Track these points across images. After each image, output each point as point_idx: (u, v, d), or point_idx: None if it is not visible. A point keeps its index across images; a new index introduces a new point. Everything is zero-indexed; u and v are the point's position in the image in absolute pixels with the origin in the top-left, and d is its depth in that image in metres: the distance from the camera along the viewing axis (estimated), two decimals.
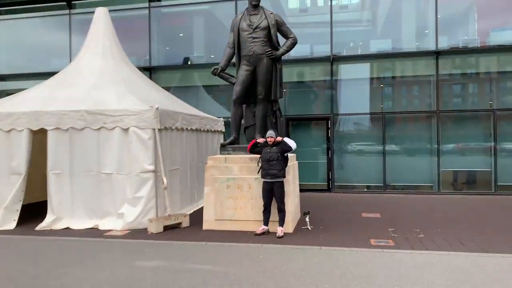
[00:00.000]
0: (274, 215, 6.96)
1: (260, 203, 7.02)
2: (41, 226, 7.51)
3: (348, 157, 12.33)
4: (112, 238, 6.81)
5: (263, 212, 6.96)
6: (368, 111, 12.33)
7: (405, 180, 11.91)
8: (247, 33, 7.60)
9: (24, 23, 14.59)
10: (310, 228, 7.27)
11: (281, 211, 6.86)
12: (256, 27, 7.56)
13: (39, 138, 8.37)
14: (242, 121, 8.08)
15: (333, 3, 12.36)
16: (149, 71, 13.32)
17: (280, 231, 6.76)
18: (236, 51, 7.81)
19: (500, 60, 11.69)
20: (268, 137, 6.98)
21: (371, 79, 12.43)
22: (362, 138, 12.40)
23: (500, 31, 11.85)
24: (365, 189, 12.05)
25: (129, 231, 7.26)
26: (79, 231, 7.36)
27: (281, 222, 6.85)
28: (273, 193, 6.87)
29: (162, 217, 7.43)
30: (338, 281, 4.62)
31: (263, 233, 6.87)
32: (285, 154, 6.93)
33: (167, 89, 11.70)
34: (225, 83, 8.38)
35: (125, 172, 7.47)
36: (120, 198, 7.50)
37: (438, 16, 11.60)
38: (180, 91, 12.86)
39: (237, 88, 7.67)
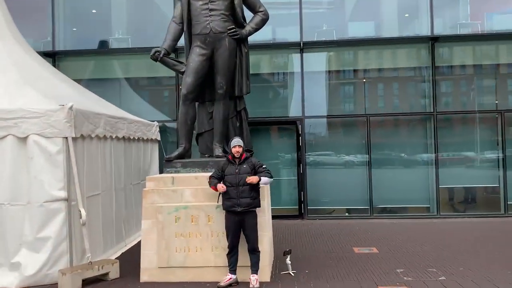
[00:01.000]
0: (243, 258, 6.24)
1: (224, 241, 6.29)
2: None
3: (324, 172, 11.98)
4: None
5: (228, 255, 6.23)
6: (348, 113, 12.08)
7: (395, 201, 11.80)
8: (201, 3, 6.98)
9: None
10: (292, 274, 6.65)
11: (255, 253, 6.18)
12: None
13: None
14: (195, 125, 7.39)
15: None
16: (52, 57, 12.18)
17: (255, 281, 6.06)
18: (185, 28, 7.15)
19: (509, 50, 11.92)
20: (234, 146, 6.27)
21: (352, 71, 12.23)
22: (341, 147, 12.15)
23: (504, 15, 12.13)
24: (347, 214, 11.74)
25: None
26: None
27: (255, 268, 6.16)
28: (242, 228, 6.17)
29: (80, 267, 6.47)
30: None
31: (229, 285, 6.15)
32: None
33: (77, 82, 10.66)
34: (167, 72, 7.69)
35: (23, 201, 6.43)
36: (14, 240, 6.41)
37: None
38: (95, 85, 11.85)
39: (188, 80, 6.97)
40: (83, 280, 6.27)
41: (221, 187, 6.12)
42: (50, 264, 6.37)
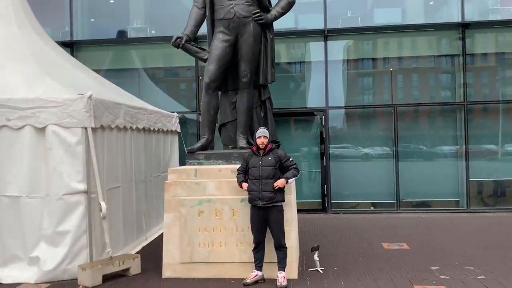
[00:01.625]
0: (269, 254, 6.02)
1: (250, 236, 6.08)
2: None
3: (349, 164, 11.77)
4: None
5: (253, 251, 6.02)
6: (374, 103, 11.88)
7: (423, 195, 11.53)
8: None
9: None
10: (321, 271, 6.41)
11: (282, 249, 5.94)
12: None
13: None
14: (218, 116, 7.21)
15: None
16: (70, 47, 12.15)
17: (282, 278, 5.83)
18: (208, 13, 6.93)
19: None
20: (259, 136, 6.03)
21: (378, 60, 11.99)
22: (366, 139, 11.92)
23: None
24: (372, 208, 11.49)
25: (49, 284, 6.07)
26: None
27: (282, 265, 5.93)
28: (267, 224, 5.94)
29: (100, 262, 6.32)
30: None
31: (256, 282, 5.94)
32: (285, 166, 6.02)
33: (96, 72, 10.58)
34: (187, 62, 7.49)
35: (41, 194, 6.29)
36: (33, 234, 6.28)
37: None
38: (113, 75, 11.76)
39: (211, 68, 6.75)
40: (103, 276, 6.13)
41: (246, 186, 5.95)
42: (70, 259, 6.23)
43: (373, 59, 12.22)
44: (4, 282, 6.18)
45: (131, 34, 12.61)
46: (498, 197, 11.42)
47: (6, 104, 6.26)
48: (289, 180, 5.92)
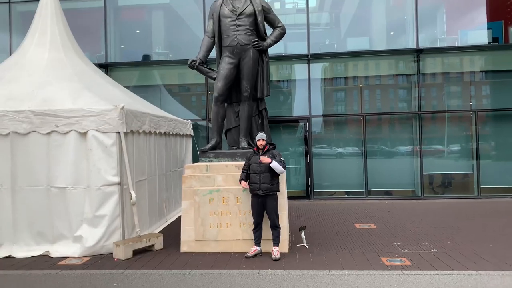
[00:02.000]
0: (266, 232, 5.93)
1: (250, 218, 6.00)
2: None
3: (327, 161, 11.55)
4: (69, 269, 5.45)
5: (253, 230, 5.93)
6: (347, 113, 11.66)
7: (386, 185, 11.30)
8: (229, 20, 6.55)
9: None
10: (307, 246, 6.32)
11: (276, 228, 5.85)
12: (241, 13, 6.52)
13: None
14: (224, 122, 7.00)
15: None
16: (105, 68, 11.88)
17: (276, 252, 5.75)
18: (216, 40, 6.74)
19: (480, 60, 11.44)
20: (258, 139, 5.94)
21: (351, 78, 11.81)
22: (341, 141, 11.67)
23: (474, 31, 11.64)
24: (346, 195, 11.32)
25: (89, 258, 5.95)
26: (24, 260, 5.92)
27: (277, 241, 5.84)
28: (264, 208, 5.84)
29: (131, 239, 6.18)
30: None
31: (255, 255, 5.85)
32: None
33: (126, 88, 10.40)
34: (199, 80, 7.29)
35: (83, 185, 6.14)
36: (77, 217, 6.15)
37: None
38: (139, 90, 11.53)
39: (219, 84, 6.59)
40: (133, 251, 6.02)
41: (244, 184, 5.84)
42: (106, 237, 6.12)
43: (346, 78, 11.96)
44: (53, 255, 6.07)
45: (153, 58, 12.32)
46: (445, 187, 11.25)
47: (55, 113, 6.16)
48: (273, 163, 5.70)
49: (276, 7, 12.43)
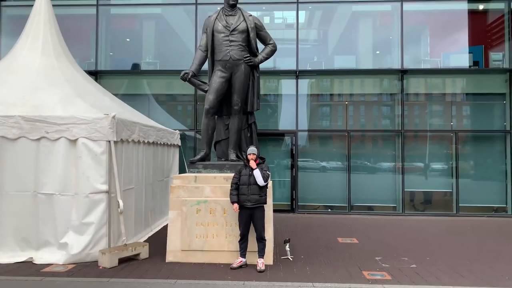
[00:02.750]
0: (251, 244, 6.05)
1: (236, 230, 6.10)
2: None
3: (312, 175, 11.73)
4: (53, 276, 5.46)
5: (239, 242, 6.03)
6: (332, 128, 11.90)
7: (369, 200, 11.55)
8: (223, 35, 6.72)
9: None
10: (291, 259, 6.44)
11: (262, 240, 5.97)
12: (234, 29, 6.71)
13: None
14: (214, 134, 7.11)
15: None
16: (95, 75, 11.89)
17: (261, 264, 5.85)
18: (209, 54, 6.89)
19: (461, 82, 11.88)
20: (249, 153, 6.07)
21: (337, 95, 12.07)
22: (326, 155, 11.88)
23: (456, 54, 12.11)
24: (329, 210, 11.51)
25: (74, 265, 5.95)
26: (8, 266, 5.90)
27: (262, 253, 5.96)
28: (252, 220, 5.96)
29: (117, 248, 6.20)
30: None
31: (240, 267, 5.93)
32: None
33: (115, 96, 10.43)
34: (187, 90, 7.38)
35: (71, 192, 6.17)
36: (63, 224, 6.15)
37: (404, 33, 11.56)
38: (128, 99, 11.50)
39: (210, 97, 6.72)
40: (119, 259, 6.03)
41: (235, 208, 5.90)
42: (92, 245, 6.14)
43: (332, 94, 12.16)
44: (37, 262, 6.05)
45: (143, 67, 12.40)
46: (426, 204, 11.54)
47: (45, 120, 6.19)
48: (255, 171, 5.87)
49: (265, 21, 12.70)
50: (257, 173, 5.88)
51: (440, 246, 7.50)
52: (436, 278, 5.53)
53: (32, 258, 6.12)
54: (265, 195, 6.01)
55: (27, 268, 5.81)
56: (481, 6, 12.23)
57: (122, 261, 6.10)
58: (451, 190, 11.40)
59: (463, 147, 11.52)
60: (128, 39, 12.94)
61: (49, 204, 6.17)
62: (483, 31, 12.21)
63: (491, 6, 12.22)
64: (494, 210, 11.30)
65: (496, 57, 12.04)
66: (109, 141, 6.29)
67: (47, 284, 5.15)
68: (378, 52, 12.39)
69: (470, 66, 11.86)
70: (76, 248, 6.06)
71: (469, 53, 12.01)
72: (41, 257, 6.11)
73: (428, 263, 6.32)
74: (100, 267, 5.86)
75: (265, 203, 6.02)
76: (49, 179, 6.17)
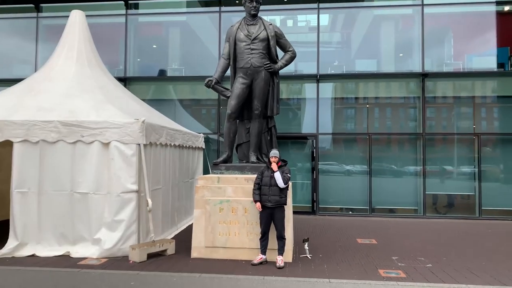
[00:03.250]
0: (271, 242, 6.39)
1: (257, 229, 6.44)
2: (1, 253, 6.51)
3: (333, 178, 11.96)
4: (88, 268, 5.95)
5: (260, 239, 6.37)
6: (354, 131, 12.09)
7: (390, 203, 11.68)
8: (244, 44, 7.11)
9: None
10: (310, 257, 6.74)
11: (282, 239, 6.30)
12: (255, 38, 7.09)
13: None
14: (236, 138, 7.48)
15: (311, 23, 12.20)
16: (124, 81, 12.51)
17: (280, 261, 6.18)
18: (231, 62, 7.29)
19: (485, 85, 11.87)
20: (272, 156, 6.41)
21: (358, 98, 12.26)
22: (347, 158, 12.08)
23: (480, 57, 12.09)
24: (350, 212, 11.70)
25: (107, 259, 6.44)
26: (47, 259, 6.44)
27: (281, 251, 6.28)
28: (272, 219, 6.30)
29: (145, 244, 6.65)
30: None
31: (260, 263, 6.28)
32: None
33: (143, 101, 10.95)
34: (211, 96, 7.74)
35: (104, 192, 6.68)
36: (96, 221, 6.67)
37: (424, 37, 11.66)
38: (155, 104, 12.10)
39: (232, 102, 7.11)
40: (147, 254, 6.47)
41: (259, 206, 6.26)
42: (123, 241, 6.59)
43: (353, 98, 12.30)
44: (73, 256, 6.57)
45: (169, 73, 12.92)
46: (447, 207, 11.49)
47: (81, 124, 6.73)
48: (276, 174, 6.20)
49: (288, 24, 13.04)
50: (277, 176, 6.22)
51: (458, 248, 7.63)
52: (450, 277, 5.71)
53: (69, 252, 6.66)
54: (285, 196, 6.33)
55: (65, 261, 6.33)
56: (506, 8, 12.17)
57: (150, 256, 6.55)
58: (473, 193, 11.40)
59: (485, 151, 11.49)
60: (154, 46, 13.49)
61: (84, 202, 6.70)
62: (509, 32, 12.13)
63: None
64: None
65: None
66: (139, 144, 6.76)
67: (84, 275, 5.63)
68: (400, 55, 12.48)
69: (495, 69, 11.81)
70: (109, 243, 6.54)
71: (494, 55, 11.97)
72: (77, 251, 6.64)
73: (444, 263, 6.49)
74: (131, 262, 6.32)
75: (285, 204, 6.33)
76: (84, 179, 6.70)
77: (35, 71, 12.60)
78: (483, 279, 5.63)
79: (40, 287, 5.10)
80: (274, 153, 6.42)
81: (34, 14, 12.96)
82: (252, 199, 6.45)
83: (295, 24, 13.34)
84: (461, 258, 6.84)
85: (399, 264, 6.41)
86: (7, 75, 12.91)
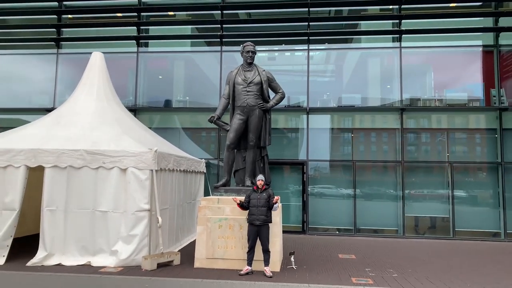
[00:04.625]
0: (257, 254, 7.44)
1: None
2: (32, 262, 7.59)
3: (322, 200, 13.05)
4: (108, 274, 7.04)
5: (247, 253, 7.39)
6: (340, 159, 13.26)
7: (373, 224, 12.73)
8: (241, 86, 8.40)
9: (11, 58, 14.81)
10: (295, 268, 7.81)
11: (267, 252, 7.34)
12: (250, 82, 8.39)
13: (31, 172, 8.54)
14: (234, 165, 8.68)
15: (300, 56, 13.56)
16: (134, 111, 13.74)
17: (268, 271, 7.21)
18: (231, 101, 8.56)
19: (455, 118, 13.16)
20: (258, 180, 7.57)
21: (345, 129, 13.47)
22: (334, 183, 13.17)
23: (454, 92, 13.41)
24: (337, 232, 12.74)
25: (123, 268, 7.50)
26: (71, 267, 7.51)
27: (267, 262, 7.32)
28: (258, 235, 7.35)
29: (155, 255, 7.73)
30: None
31: (247, 273, 7.27)
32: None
33: (150, 129, 12.11)
34: (212, 126, 8.80)
35: (121, 210, 7.79)
36: (114, 235, 7.76)
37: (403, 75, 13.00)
38: (161, 132, 13.29)
39: (231, 135, 8.35)
40: (157, 264, 7.52)
41: (236, 199, 7.44)
42: (136, 252, 7.64)
43: (339, 128, 13.38)
44: (94, 265, 7.62)
45: (174, 104, 14.12)
46: (425, 228, 12.52)
47: (103, 153, 7.91)
48: (275, 205, 7.39)
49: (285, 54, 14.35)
50: (275, 207, 7.40)
51: (427, 263, 8.68)
52: (410, 284, 6.81)
53: (89, 262, 7.73)
54: (270, 215, 7.45)
55: (87, 269, 7.41)
56: (479, 47, 13.51)
57: (159, 265, 7.62)
58: (448, 216, 12.52)
59: (457, 177, 12.64)
60: (160, 76, 14.73)
61: (104, 219, 7.82)
62: (483, 69, 13.43)
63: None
64: (492, 235, 12.30)
65: (495, 93, 13.27)
66: (152, 170, 7.93)
67: (104, 280, 6.73)
68: (380, 91, 13.69)
69: (466, 104, 13.10)
70: (124, 254, 7.61)
71: (466, 91, 13.26)
72: (96, 261, 7.71)
73: (408, 273, 7.58)
74: (143, 270, 7.38)
75: (271, 222, 7.44)
76: (104, 199, 7.84)
77: (53, 101, 13.94)
78: (436, 285, 6.74)
79: None
80: (260, 177, 7.57)
81: (55, 51, 14.34)
82: (245, 216, 7.56)
83: (292, 54, 14.62)
84: (425, 270, 7.91)
85: (370, 274, 7.49)
86: (27, 104, 14.19)
